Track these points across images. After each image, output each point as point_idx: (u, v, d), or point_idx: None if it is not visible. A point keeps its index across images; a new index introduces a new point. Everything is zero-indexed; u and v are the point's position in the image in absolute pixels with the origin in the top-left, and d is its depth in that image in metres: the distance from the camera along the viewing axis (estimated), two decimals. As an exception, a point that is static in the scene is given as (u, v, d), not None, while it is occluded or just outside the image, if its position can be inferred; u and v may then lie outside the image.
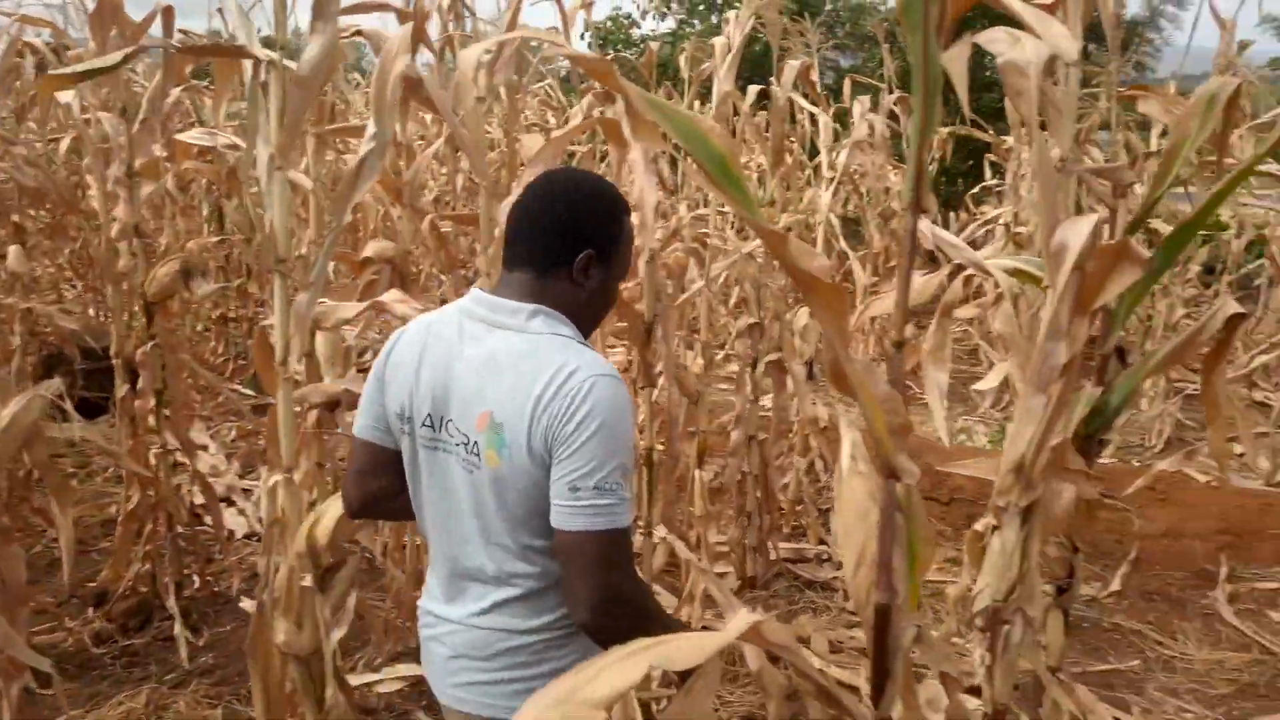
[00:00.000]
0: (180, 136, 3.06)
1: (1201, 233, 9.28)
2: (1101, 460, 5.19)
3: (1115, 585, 3.78)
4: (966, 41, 1.33)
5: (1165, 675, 3.18)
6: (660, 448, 2.56)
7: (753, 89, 3.57)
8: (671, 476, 2.63)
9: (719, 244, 3.61)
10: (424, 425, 1.43)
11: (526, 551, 1.39)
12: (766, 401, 3.75)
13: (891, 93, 7.61)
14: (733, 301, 5.30)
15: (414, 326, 1.49)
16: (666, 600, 3.43)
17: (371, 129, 1.69)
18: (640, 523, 2.58)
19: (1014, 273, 1.79)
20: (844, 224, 6.03)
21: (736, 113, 3.57)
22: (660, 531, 2.50)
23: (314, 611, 2.04)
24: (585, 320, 1.46)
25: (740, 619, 0.95)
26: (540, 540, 1.38)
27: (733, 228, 4.57)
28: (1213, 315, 1.77)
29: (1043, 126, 1.85)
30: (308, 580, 2.00)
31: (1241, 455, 4.72)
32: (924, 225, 1.53)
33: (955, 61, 1.62)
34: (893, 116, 7.95)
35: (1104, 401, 1.88)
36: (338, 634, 2.07)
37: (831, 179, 4.24)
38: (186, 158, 3.82)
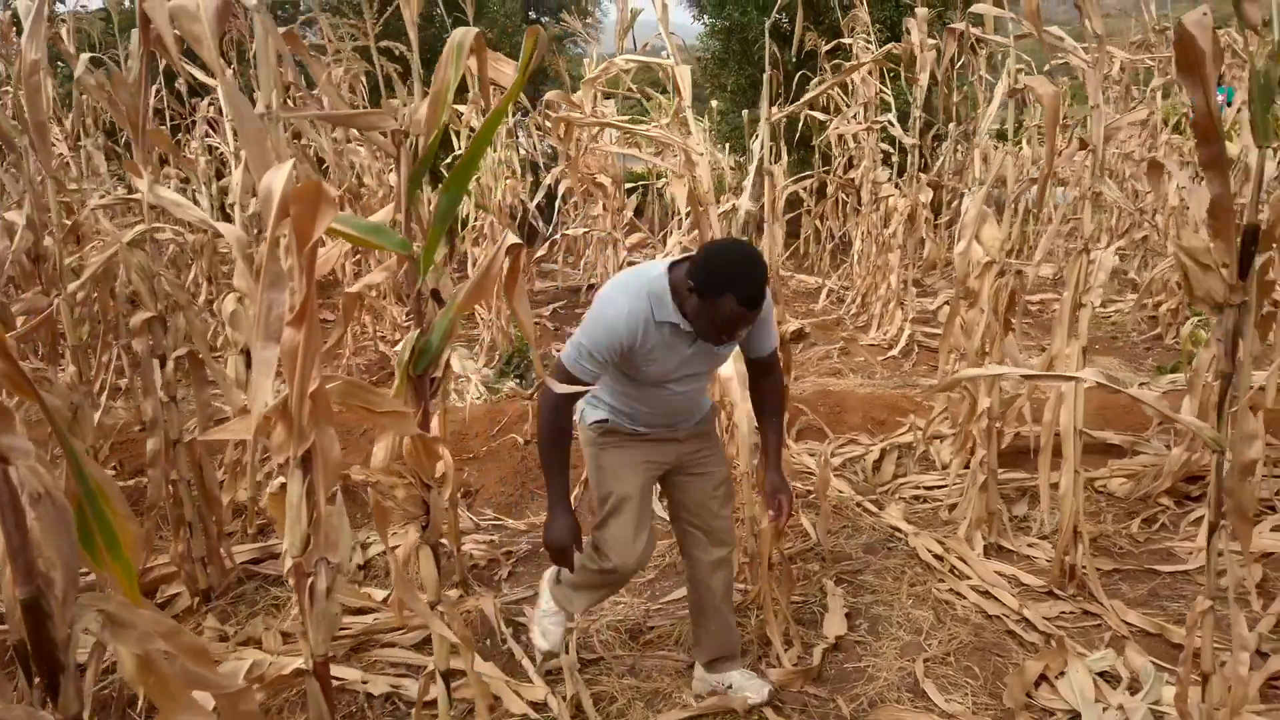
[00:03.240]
0: None
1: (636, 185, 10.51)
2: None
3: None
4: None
5: (603, 576, 3.55)
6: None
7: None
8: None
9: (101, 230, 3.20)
10: None
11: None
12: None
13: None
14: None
15: None
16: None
17: None
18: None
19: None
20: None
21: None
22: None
23: None
24: (686, 305, 2.38)
25: None
26: None
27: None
28: (500, 247, 1.91)
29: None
30: None
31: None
32: (143, 184, 1.43)
33: (156, 10, 1.54)
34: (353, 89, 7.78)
35: (426, 342, 1.96)
36: None
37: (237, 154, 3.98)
38: None
